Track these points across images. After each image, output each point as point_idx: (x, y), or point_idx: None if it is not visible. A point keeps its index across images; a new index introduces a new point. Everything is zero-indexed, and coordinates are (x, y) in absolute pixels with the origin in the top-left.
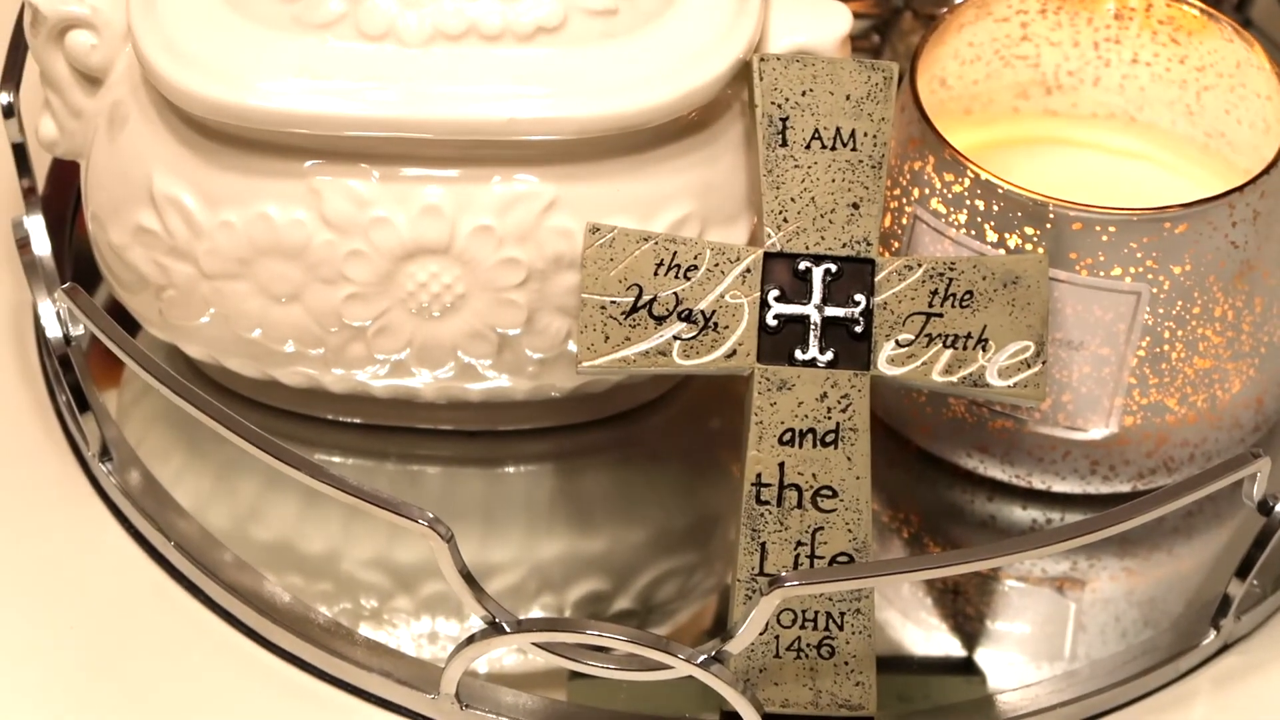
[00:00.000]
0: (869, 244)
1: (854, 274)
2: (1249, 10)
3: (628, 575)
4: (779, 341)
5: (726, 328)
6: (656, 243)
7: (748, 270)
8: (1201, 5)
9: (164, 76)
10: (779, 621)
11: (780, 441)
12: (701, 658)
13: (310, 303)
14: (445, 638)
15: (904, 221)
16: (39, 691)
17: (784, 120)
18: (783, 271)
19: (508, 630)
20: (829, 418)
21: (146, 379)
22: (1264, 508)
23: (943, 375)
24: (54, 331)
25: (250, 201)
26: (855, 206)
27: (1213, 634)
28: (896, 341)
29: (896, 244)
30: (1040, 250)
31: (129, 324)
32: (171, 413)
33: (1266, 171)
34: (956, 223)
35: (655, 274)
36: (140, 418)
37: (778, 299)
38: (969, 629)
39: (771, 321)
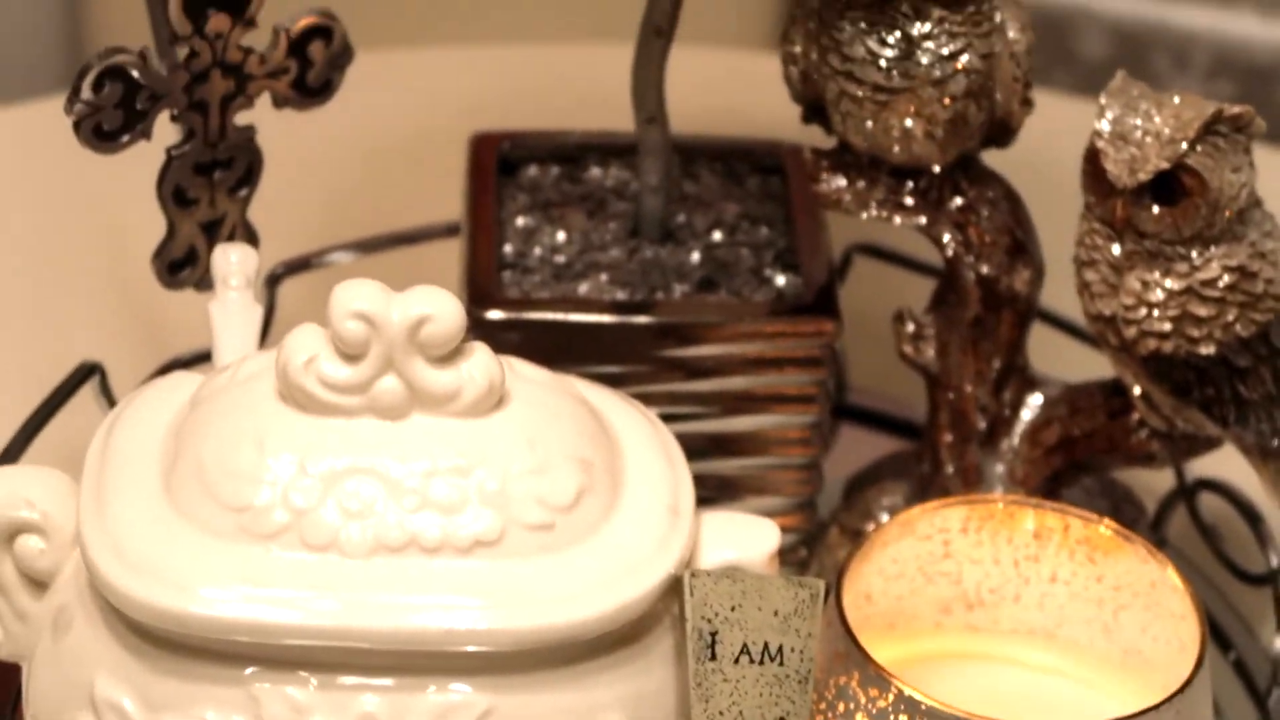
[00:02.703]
0: None
1: None
2: (1164, 530)
3: None
4: None
5: None
6: None
7: None
8: (1116, 526)
9: (110, 582)
10: None
11: None
12: None
13: None
14: None
15: None
16: None
17: (713, 634)
18: None
19: None
20: None
21: None
22: None
23: None
24: None
25: (189, 708)
26: None
27: None
28: None
29: None
30: None
31: None
32: None
33: (1181, 691)
34: None
35: None
36: None
37: None
38: None
39: None
